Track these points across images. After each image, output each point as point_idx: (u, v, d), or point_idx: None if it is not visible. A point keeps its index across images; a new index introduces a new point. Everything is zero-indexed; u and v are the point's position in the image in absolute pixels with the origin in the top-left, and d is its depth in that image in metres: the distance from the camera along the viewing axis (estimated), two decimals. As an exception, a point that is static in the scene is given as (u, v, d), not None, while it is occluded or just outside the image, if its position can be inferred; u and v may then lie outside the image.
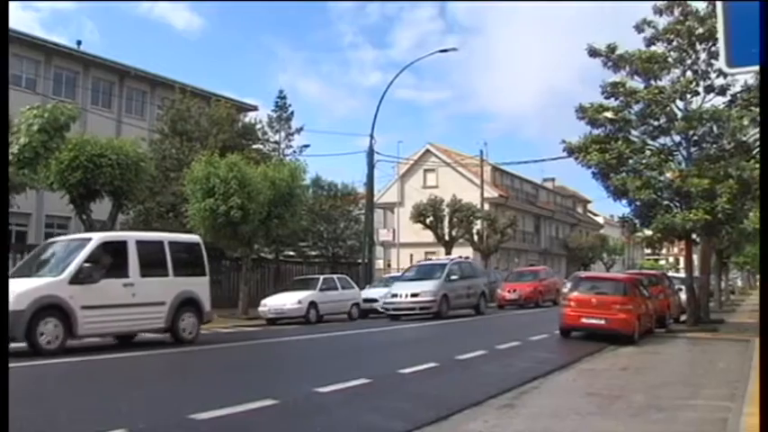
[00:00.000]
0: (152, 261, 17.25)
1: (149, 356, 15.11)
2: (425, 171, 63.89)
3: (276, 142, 40.47)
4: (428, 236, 48.36)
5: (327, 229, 43.59)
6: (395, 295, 28.86)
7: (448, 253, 47.03)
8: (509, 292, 38.89)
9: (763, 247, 18.55)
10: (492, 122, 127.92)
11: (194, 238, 20.29)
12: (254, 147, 37.55)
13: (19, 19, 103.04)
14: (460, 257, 34.49)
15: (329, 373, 12.14)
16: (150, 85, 43.02)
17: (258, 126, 39.19)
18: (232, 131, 35.45)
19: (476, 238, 49.37)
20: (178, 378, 12.14)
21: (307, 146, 41.59)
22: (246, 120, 40.04)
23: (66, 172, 26.59)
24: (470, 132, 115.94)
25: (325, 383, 10.18)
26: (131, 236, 17.89)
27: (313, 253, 44.37)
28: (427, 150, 64.15)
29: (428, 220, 46.54)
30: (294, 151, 41.06)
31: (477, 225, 49.49)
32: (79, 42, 42.63)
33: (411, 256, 54.39)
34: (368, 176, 38.52)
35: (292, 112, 41.57)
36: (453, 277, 29.69)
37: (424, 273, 30.51)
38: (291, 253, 43.53)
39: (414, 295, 28.22)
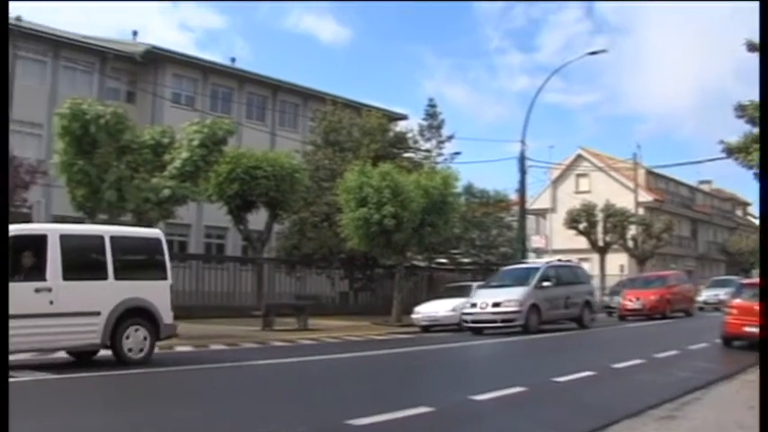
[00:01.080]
0: (83, 261, 14.16)
1: (315, 361, 15.28)
2: (578, 176, 62.80)
3: (427, 150, 40.49)
4: (581, 242, 47.51)
5: (480, 237, 43.28)
6: (473, 305, 24.59)
7: (602, 259, 46.04)
8: (631, 300, 33.31)
9: (763, 247, 17.49)
10: (643, 124, 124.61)
11: (153, 232, 16.33)
12: (406, 155, 37.69)
13: (175, 40, 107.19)
14: (559, 260, 29.61)
15: (484, 380, 11.99)
16: (302, 97, 43.90)
17: (409, 135, 39.33)
18: (384, 141, 35.69)
19: (630, 243, 48.14)
20: (335, 383, 12.21)
21: (458, 153, 41.37)
22: (397, 129, 40.23)
23: (224, 184, 27.49)
24: (621, 135, 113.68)
25: (481, 391, 10.02)
26: (54, 228, 14.20)
27: (465, 260, 44.14)
28: (579, 155, 63.11)
29: (581, 226, 45.68)
30: (445, 159, 41.01)
31: (632, 230, 48.27)
32: (233, 59, 44.09)
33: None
34: (520, 182, 38.03)
35: (443, 120, 41.53)
36: (547, 284, 24.99)
37: (511, 278, 26.13)
38: (444, 260, 43.46)
39: (495, 305, 23.83)
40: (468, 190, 43.07)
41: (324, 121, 37.25)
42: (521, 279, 25.47)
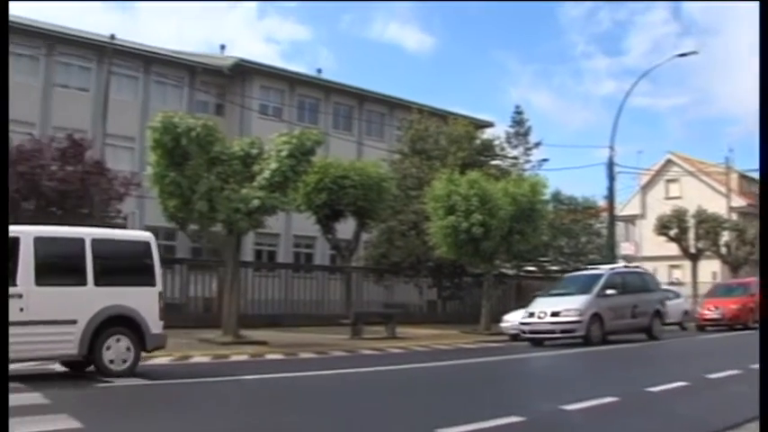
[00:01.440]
0: (60, 265, 13.25)
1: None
2: (667, 181, 61.58)
3: (515, 157, 40.25)
4: (672, 249, 46.57)
5: (568, 244, 42.81)
6: (531, 315, 23.22)
7: (694, 267, 45.03)
8: (709, 309, 31.25)
9: (762, 247, 16.67)
10: (735, 126, 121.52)
11: (142, 235, 15.18)
12: (493, 163, 37.54)
13: (262, 52, 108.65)
14: (626, 266, 28.22)
15: (573, 389, 11.80)
16: (388, 107, 44.07)
17: (496, 142, 39.14)
18: (470, 148, 35.60)
19: (723, 250, 47.02)
20: (425, 392, 12.16)
21: (545, 160, 41.21)
22: (484, 136, 40.08)
23: (313, 194, 27.76)
24: (712, 138, 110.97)
25: (571, 401, 9.87)
26: (27, 231, 13.25)
27: (554, 268, 43.68)
28: (669, 160, 61.87)
29: (672, 233, 44.78)
30: (533, 166, 40.69)
31: (725, 236, 47.13)
32: (319, 70, 44.59)
33: (655, 270, 52.56)
34: (608, 189, 37.48)
35: (530, 127, 41.23)
36: (610, 291, 23.33)
37: (573, 286, 24.62)
38: (532, 268, 43.08)
39: (554, 314, 22.41)
40: (556, 197, 42.66)
41: (410, 129, 37.37)
42: (583, 287, 23.89)
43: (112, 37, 29.01)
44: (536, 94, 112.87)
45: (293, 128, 24.84)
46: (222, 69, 38.91)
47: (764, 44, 11.58)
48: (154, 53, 38.41)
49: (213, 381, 13.03)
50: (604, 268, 25.75)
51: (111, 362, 12.98)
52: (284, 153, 20.69)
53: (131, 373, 13.05)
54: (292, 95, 40.46)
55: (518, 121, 41.18)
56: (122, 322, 13.33)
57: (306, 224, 31.37)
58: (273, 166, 20.63)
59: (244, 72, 39.01)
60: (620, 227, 51.45)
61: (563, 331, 22.14)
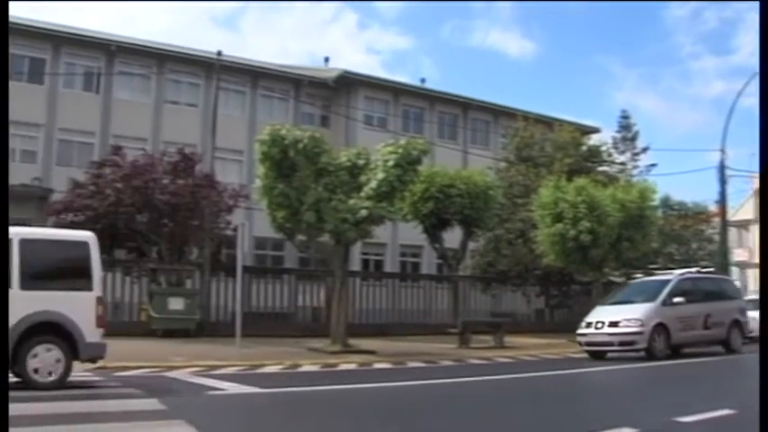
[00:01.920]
0: None
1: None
2: (784, 184, 59.57)
3: (622, 163, 39.51)
4: (791, 254, 44.96)
5: (679, 251, 41.76)
6: (588, 324, 21.11)
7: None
8: None
9: (762, 247, 15.66)
10: None
11: (80, 235, 13.79)
12: (601, 169, 36.94)
13: (363, 63, 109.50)
14: (699, 270, 24.68)
15: (688, 401, 11.45)
16: (493, 114, 43.88)
17: (603, 148, 38.53)
18: (577, 155, 35.14)
19: None
20: (534, 402, 11.97)
21: (654, 165, 40.12)
22: (590, 142, 39.51)
23: (419, 203, 27.81)
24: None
25: (685, 413, 9.58)
26: None
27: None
28: (785, 162, 59.87)
29: (790, 238, 43.25)
30: (641, 171, 39.86)
31: None
32: (423, 80, 44.65)
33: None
34: (719, 193, 36.55)
35: (637, 132, 40.40)
36: (678, 299, 20.82)
37: (637, 293, 22.37)
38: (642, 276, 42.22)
39: (612, 325, 20.26)
40: (666, 202, 41.74)
41: (516, 137, 37.11)
42: (647, 294, 21.55)
43: (219, 53, 29.63)
44: (642, 97, 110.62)
45: (398, 137, 24.89)
46: (327, 81, 39.38)
47: (764, 44, 11.29)
48: (260, 68, 39.15)
49: (324, 389, 13.11)
50: (674, 273, 23.16)
51: (36, 371, 11.91)
52: (391, 163, 20.76)
53: (61, 385, 11.93)
54: (397, 105, 40.68)
55: (625, 125, 40.38)
56: (51, 330, 12.16)
57: (412, 233, 31.44)
58: (380, 176, 20.71)
59: (348, 83, 39.39)
60: (732, 232, 50.05)
61: (622, 343, 19.99)
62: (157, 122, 36.20)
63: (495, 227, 32.17)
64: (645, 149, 40.18)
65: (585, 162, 35.79)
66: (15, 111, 33.37)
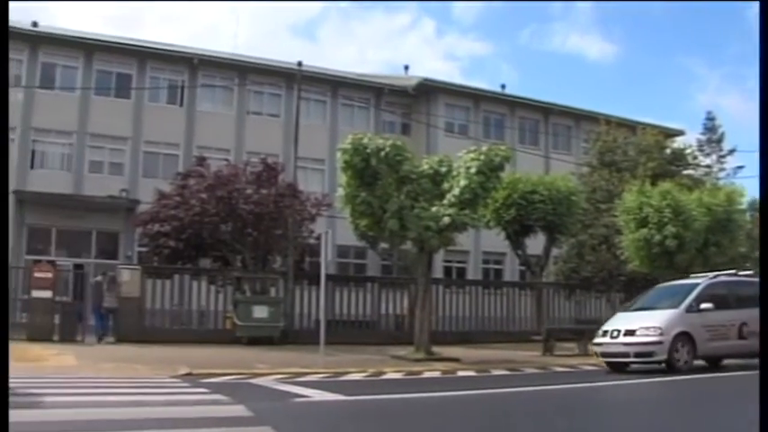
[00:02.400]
0: None
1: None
2: None
3: (708, 166, 38.78)
4: None
5: (769, 255, 40.73)
6: (604, 333, 18.98)
7: None
8: None
9: (762, 247, 14.94)
10: None
11: None
12: (686, 172, 36.25)
13: (442, 70, 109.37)
14: (737, 274, 21.42)
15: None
16: (574, 119, 43.45)
17: (688, 151, 37.82)
18: (661, 158, 34.55)
19: None
20: (630, 412, 11.77)
21: (741, 167, 39.35)
22: (674, 145, 38.82)
23: (501, 210, 27.66)
24: None
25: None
26: None
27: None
28: None
29: None
30: (728, 174, 39.06)
31: None
32: (503, 86, 44.42)
33: None
34: (810, 196, 35.45)
35: (723, 133, 39.65)
36: (706, 306, 18.53)
37: (662, 299, 20.07)
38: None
39: (628, 333, 18.17)
40: (754, 205, 40.70)
41: (598, 141, 36.66)
42: (671, 300, 19.32)
43: (300, 64, 29.92)
44: (727, 98, 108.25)
45: (479, 144, 24.79)
46: (407, 89, 39.51)
47: (764, 44, 10.98)
48: (340, 77, 39.47)
49: (409, 397, 13.07)
50: (704, 277, 20.67)
51: None
52: (473, 170, 20.70)
53: None
54: (477, 112, 40.61)
55: (710, 127, 39.71)
56: None
57: (495, 240, 31.25)
58: (463, 183, 20.66)
59: (428, 91, 39.43)
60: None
61: (638, 354, 17.93)
62: (240, 133, 36.75)
63: (578, 233, 31.80)
64: (731, 151, 39.44)
65: (670, 165, 35.16)
66: (103, 125, 34.58)
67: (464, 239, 25.53)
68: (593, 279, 33.36)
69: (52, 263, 26.07)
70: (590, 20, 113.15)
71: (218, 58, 37.85)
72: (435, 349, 21.89)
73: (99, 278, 26.35)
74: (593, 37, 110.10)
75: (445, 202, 20.78)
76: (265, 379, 15.36)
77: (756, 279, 20.55)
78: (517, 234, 29.25)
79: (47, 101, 34.47)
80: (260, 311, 24.73)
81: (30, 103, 34.27)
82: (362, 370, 17.87)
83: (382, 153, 20.66)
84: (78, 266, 32.02)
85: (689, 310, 18.50)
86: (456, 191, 20.70)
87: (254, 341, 23.93)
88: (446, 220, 20.34)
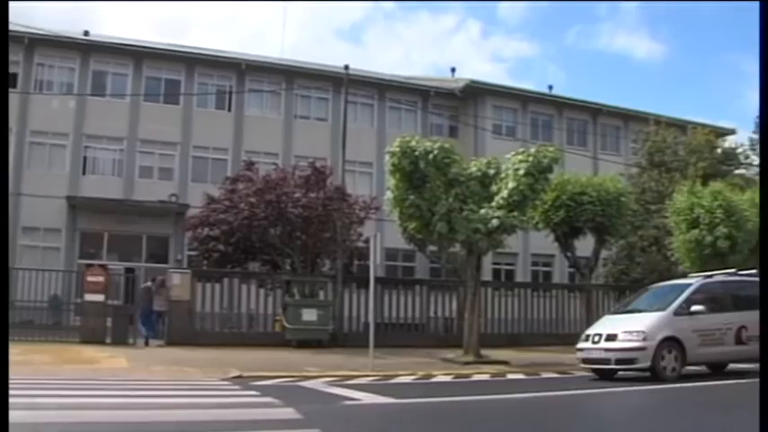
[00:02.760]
0: None
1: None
2: None
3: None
4: None
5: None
6: (586, 338, 17.69)
7: None
8: None
9: (762, 247, 13.89)
10: None
11: None
12: (737, 172, 35.73)
13: (489, 71, 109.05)
14: (738, 273, 19.44)
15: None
16: (623, 119, 43.08)
17: (739, 150, 37.26)
18: (712, 158, 34.11)
19: None
20: (673, 415, 11.62)
21: (795, 165, 38.58)
22: (725, 144, 38.30)
23: (550, 212, 27.45)
24: None
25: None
26: None
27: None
28: None
29: None
30: (783, 174, 38.37)
31: None
32: (550, 87, 44.19)
33: None
34: None
35: (775, 132, 38.94)
36: (698, 308, 16.97)
37: (647, 301, 18.85)
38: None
39: (609, 338, 16.79)
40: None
41: (647, 141, 36.28)
42: (660, 302, 17.84)
43: (347, 67, 30.00)
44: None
45: (527, 146, 24.66)
46: (454, 91, 39.49)
47: (764, 44, 10.76)
48: (387, 80, 39.59)
49: (458, 400, 13.04)
50: (697, 277, 19.23)
51: None
52: (521, 171, 20.60)
53: None
54: (525, 113, 40.45)
55: (762, 126, 38.97)
56: None
57: (544, 242, 31.04)
58: (511, 185, 20.59)
59: (475, 93, 39.36)
60: None
61: (619, 361, 16.54)
62: (288, 137, 36.98)
63: (627, 234, 31.46)
64: (786, 150, 38.65)
65: (721, 165, 34.71)
66: (153, 131, 35.02)
67: (513, 241, 25.41)
68: (643, 281, 32.95)
69: (104, 267, 26.39)
70: (637, 19, 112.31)
71: (266, 62, 38.12)
72: (484, 352, 21.82)
73: (148, 283, 26.77)
74: (641, 36, 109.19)
75: (494, 204, 20.71)
76: (315, 382, 15.41)
77: (757, 278, 18.17)
78: (566, 236, 29.01)
79: (98, 108, 35.00)
80: (309, 314, 24.81)
81: (81, 110, 34.84)
82: (411, 373, 17.87)
83: (431, 156, 20.65)
84: (129, 270, 32.40)
85: (678, 312, 17.00)
86: (504, 193, 20.62)
87: (303, 344, 24.03)
88: (495, 222, 20.26)
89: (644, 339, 16.29)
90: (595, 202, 27.55)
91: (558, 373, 19.07)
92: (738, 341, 17.25)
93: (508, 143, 32.58)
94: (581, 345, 17.66)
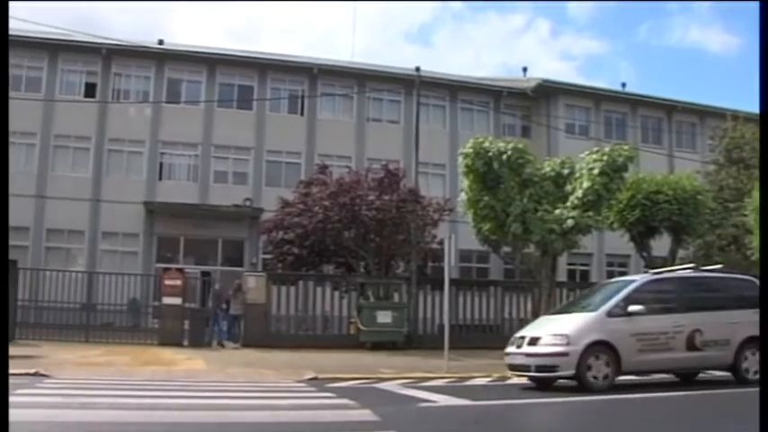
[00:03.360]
0: None
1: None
2: None
3: None
4: None
5: None
6: (512, 341, 15.58)
7: None
8: None
9: (763, 247, 14.05)
10: None
11: None
12: (820, 168, 34.79)
13: (557, 71, 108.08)
14: (696, 268, 17.39)
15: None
16: (698, 115, 42.30)
17: (822, 145, 36.29)
18: (793, 153, 33.28)
19: None
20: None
21: None
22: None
23: (625, 211, 27.04)
24: None
25: None
26: None
27: None
28: None
29: None
30: None
31: None
32: (624, 84, 43.72)
33: None
34: None
35: None
36: (636, 308, 14.58)
37: (586, 299, 16.83)
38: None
39: (532, 342, 14.75)
40: None
41: (724, 138, 35.53)
42: (597, 301, 15.54)
43: (418, 69, 30.04)
44: None
45: (601, 145, 24.45)
46: (526, 91, 39.24)
47: (764, 44, 10.47)
48: (458, 81, 39.49)
49: (534, 402, 12.94)
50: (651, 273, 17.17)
51: None
52: (596, 171, 20.42)
53: None
54: (598, 112, 39.97)
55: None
56: None
57: (619, 242, 30.62)
58: (586, 184, 20.41)
59: (548, 92, 39.04)
60: None
61: (539, 368, 14.46)
62: (360, 140, 37.13)
63: (705, 233, 30.82)
64: None
65: (804, 161, 33.81)
66: (227, 136, 35.55)
67: (587, 242, 25.19)
68: (722, 281, 32.37)
69: (181, 270, 26.85)
70: (709, 13, 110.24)
71: (337, 66, 38.34)
72: (561, 353, 21.58)
73: (217, 287, 27.25)
74: (714, 30, 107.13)
75: (568, 204, 20.56)
76: (390, 383, 15.43)
77: (725, 275, 17.28)
78: (642, 235, 28.54)
79: (173, 115, 35.63)
80: (384, 317, 24.87)
81: (157, 117, 35.49)
82: (487, 374, 17.76)
83: (504, 156, 20.59)
84: (205, 274, 32.92)
85: (612, 314, 14.65)
86: (579, 193, 20.47)
87: (377, 346, 24.09)
88: (570, 222, 20.12)
89: (567, 344, 14.11)
90: (671, 200, 27.06)
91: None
92: (691, 347, 14.82)
93: (581, 142, 32.29)
94: (507, 349, 15.55)
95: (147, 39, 35.60)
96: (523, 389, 14.63)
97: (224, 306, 26.35)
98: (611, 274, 38.16)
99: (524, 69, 43.74)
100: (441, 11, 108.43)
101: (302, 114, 37.34)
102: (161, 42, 36.79)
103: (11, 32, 33.97)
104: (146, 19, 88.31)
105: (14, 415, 7.43)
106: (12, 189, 32.42)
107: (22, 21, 23.35)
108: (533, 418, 11.19)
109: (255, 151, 36.37)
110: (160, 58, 35.98)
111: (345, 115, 37.95)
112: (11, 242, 31.68)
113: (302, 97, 37.46)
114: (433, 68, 37.90)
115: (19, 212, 32.85)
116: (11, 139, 33.82)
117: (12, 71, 34.41)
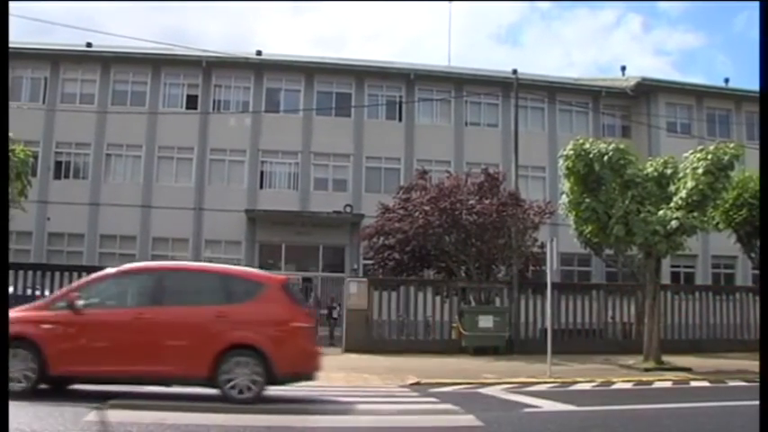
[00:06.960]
0: None
1: None
2: None
3: None
4: None
5: None
6: None
7: None
8: None
9: (762, 247, 17.56)
10: None
11: None
12: None
13: (651, 66, 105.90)
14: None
15: None
16: (808, 110, 40.98)
17: None
18: None
19: None
20: None
21: None
22: None
23: (732, 211, 26.45)
24: None
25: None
26: None
27: None
28: None
29: None
30: None
31: None
32: (727, 80, 42.53)
33: None
34: None
35: None
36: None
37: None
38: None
39: None
40: None
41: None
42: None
43: (515, 72, 29.89)
44: None
45: (704, 143, 23.88)
46: (625, 90, 38.56)
47: (764, 44, 10.87)
48: (556, 83, 39.09)
49: (641, 408, 12.76)
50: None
51: None
52: (700, 170, 19.95)
53: None
54: (700, 109, 38.99)
55: None
56: None
57: (725, 243, 29.91)
58: (690, 184, 19.98)
59: (647, 91, 38.31)
60: None
61: None
62: (459, 144, 37.09)
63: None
64: None
65: None
66: (326, 143, 35.98)
67: (692, 243, 24.57)
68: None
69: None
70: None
71: (434, 71, 38.39)
72: (665, 358, 21.21)
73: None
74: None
75: (672, 205, 20.15)
76: (493, 389, 15.40)
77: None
78: (749, 236, 27.80)
79: (273, 124, 36.20)
80: (485, 321, 24.81)
81: (257, 127, 36.10)
82: (590, 380, 17.58)
83: (605, 158, 20.31)
84: (307, 279, 33.34)
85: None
86: (683, 193, 20.04)
87: (479, 351, 24.03)
88: (674, 223, 19.70)
89: None
90: (774, 199, 26.35)
91: (746, 381, 18.26)
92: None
93: (683, 141, 31.61)
94: None
95: (239, 49, 36.26)
96: (629, 394, 14.45)
97: (325, 312, 26.59)
98: (716, 277, 37.31)
99: (623, 68, 43.00)
100: (529, 11, 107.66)
101: (400, 120, 37.48)
102: (259, 53, 37.43)
103: (118, 50, 35.18)
104: (234, 30, 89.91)
105: None
106: (119, 200, 33.76)
107: (129, 38, 24.08)
108: (643, 424, 11.02)
109: (354, 158, 36.65)
110: (258, 68, 36.60)
111: (443, 120, 37.93)
112: (118, 251, 33.34)
113: (400, 103, 37.60)
114: (524, 69, 37.58)
115: (126, 222, 34.01)
116: (119, 152, 35.30)
117: (117, 87, 35.89)
